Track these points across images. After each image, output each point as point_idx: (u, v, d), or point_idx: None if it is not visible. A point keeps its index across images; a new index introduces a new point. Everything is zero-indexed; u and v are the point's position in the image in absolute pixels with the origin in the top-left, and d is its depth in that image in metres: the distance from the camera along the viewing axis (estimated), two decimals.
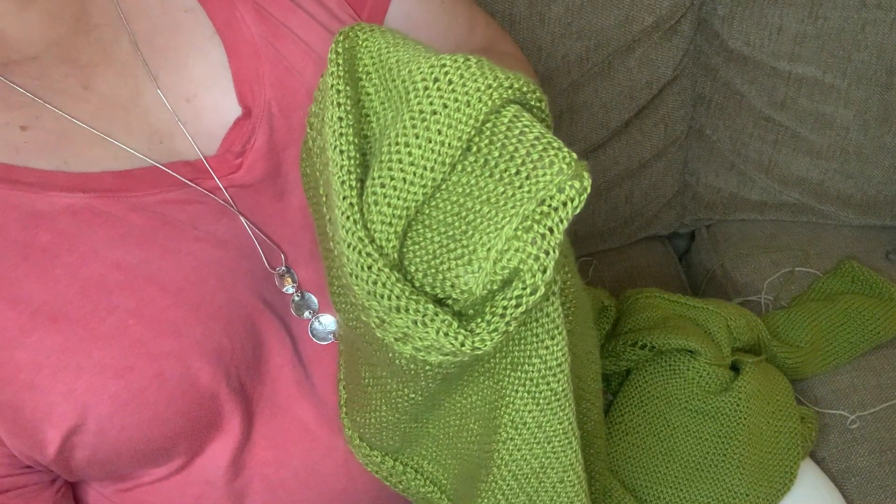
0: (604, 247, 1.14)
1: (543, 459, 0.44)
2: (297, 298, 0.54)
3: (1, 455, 0.49)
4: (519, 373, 0.42)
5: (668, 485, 0.70)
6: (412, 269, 0.38)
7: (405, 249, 0.38)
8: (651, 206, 1.13)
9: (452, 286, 0.36)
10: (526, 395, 0.42)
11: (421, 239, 0.38)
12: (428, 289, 0.37)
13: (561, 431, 0.43)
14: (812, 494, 0.74)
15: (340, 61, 0.40)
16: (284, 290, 0.54)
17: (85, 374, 0.46)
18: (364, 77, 0.41)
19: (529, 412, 0.42)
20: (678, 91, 1.06)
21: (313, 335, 0.54)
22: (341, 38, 0.41)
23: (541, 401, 0.42)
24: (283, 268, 0.54)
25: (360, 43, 0.41)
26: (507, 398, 0.43)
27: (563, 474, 0.44)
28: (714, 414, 0.73)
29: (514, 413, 0.43)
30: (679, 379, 0.74)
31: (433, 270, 0.37)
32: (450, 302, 0.37)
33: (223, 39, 0.54)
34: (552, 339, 0.41)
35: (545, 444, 0.43)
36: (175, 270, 0.49)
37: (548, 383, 0.42)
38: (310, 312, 0.54)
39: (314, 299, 0.54)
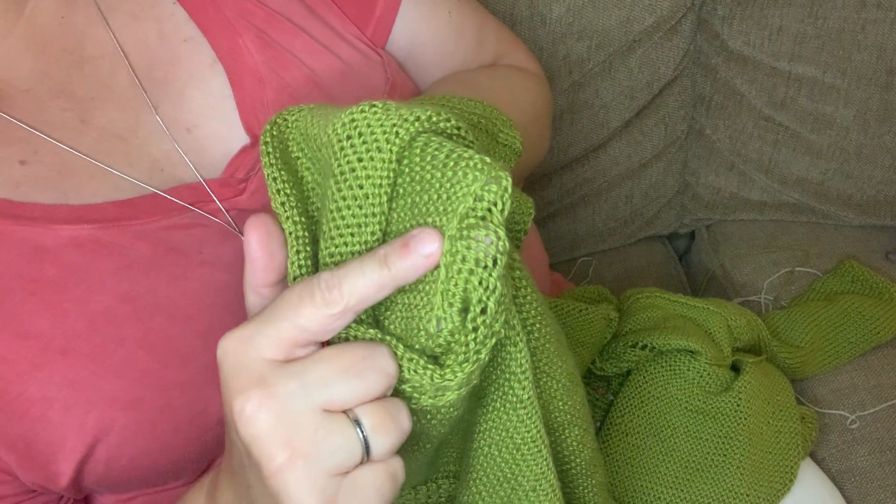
0: (604, 247, 1.14)
1: (514, 466, 0.44)
2: None
3: (9, 481, 0.48)
4: (492, 378, 0.42)
5: (668, 485, 0.70)
6: (400, 335, 0.37)
7: (384, 320, 0.38)
8: (651, 206, 1.13)
9: (428, 336, 0.36)
10: (497, 399, 0.42)
11: (390, 303, 0.38)
12: (421, 349, 0.37)
13: (530, 439, 0.43)
14: (812, 494, 0.74)
15: (271, 150, 0.40)
16: None
17: (95, 407, 0.46)
18: (301, 155, 0.41)
19: (499, 416, 0.42)
20: (678, 91, 1.06)
21: None
22: (269, 127, 0.41)
23: (507, 406, 0.42)
24: None
25: (290, 125, 0.41)
26: (483, 402, 0.43)
27: (535, 483, 0.44)
28: (714, 414, 0.73)
29: (486, 416, 0.43)
30: (679, 379, 0.74)
31: (414, 330, 0.37)
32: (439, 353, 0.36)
33: (226, 68, 0.54)
34: (514, 345, 0.40)
35: (514, 451, 0.43)
36: (182, 298, 0.49)
37: (513, 389, 0.41)
38: None
39: None
